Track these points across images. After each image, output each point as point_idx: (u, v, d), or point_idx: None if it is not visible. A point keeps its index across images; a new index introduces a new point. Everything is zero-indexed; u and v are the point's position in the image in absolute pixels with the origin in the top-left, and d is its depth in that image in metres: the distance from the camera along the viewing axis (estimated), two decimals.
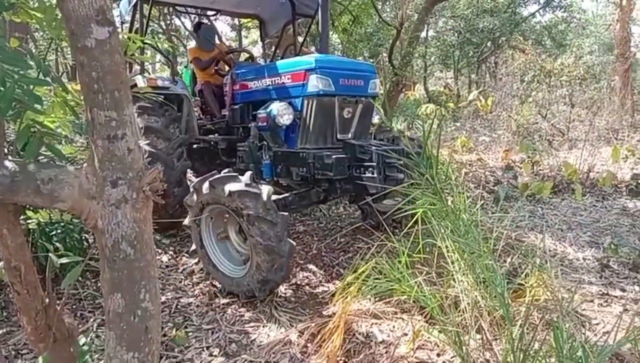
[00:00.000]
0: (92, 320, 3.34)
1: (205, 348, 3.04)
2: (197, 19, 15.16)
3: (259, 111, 4.10)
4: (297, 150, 4.00)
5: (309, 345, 2.99)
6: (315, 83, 3.84)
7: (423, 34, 17.50)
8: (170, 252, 4.52)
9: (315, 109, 3.93)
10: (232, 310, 3.48)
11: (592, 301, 3.35)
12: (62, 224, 3.65)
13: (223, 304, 3.57)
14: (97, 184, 1.38)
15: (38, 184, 1.38)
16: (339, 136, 4.08)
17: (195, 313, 3.46)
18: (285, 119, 3.88)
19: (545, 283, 2.51)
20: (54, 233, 3.60)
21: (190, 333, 3.20)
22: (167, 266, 4.25)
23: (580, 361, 2.05)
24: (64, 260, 1.96)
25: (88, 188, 1.39)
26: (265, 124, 4.00)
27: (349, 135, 4.14)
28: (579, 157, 6.70)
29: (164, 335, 3.10)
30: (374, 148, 3.71)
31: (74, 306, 3.50)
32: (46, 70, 1.91)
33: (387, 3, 16.38)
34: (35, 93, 1.68)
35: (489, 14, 17.22)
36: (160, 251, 4.52)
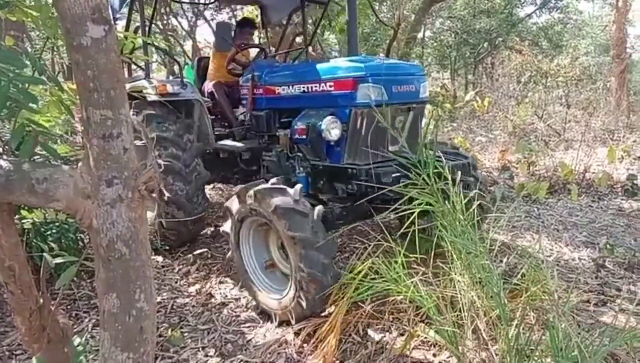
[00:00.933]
0: (87, 320, 3.32)
1: (201, 349, 3.03)
2: (194, 19, 15.19)
3: (295, 122, 3.68)
4: (345, 166, 3.55)
5: (305, 345, 2.98)
6: (366, 93, 3.40)
7: (420, 35, 17.53)
8: (166, 252, 4.51)
9: (366, 122, 3.47)
10: (228, 311, 3.47)
11: (588, 301, 3.36)
12: (57, 224, 3.64)
13: (219, 304, 3.56)
14: (92, 183, 1.37)
15: (33, 183, 1.37)
16: (390, 147, 3.60)
17: (191, 313, 3.45)
18: (334, 134, 3.42)
19: (542, 283, 2.51)
20: (48, 232, 3.58)
21: (186, 334, 3.19)
22: (162, 267, 4.24)
23: (576, 361, 2.05)
24: (58, 260, 1.95)
25: (83, 187, 1.38)
26: (304, 136, 3.57)
27: (399, 146, 3.60)
28: (575, 157, 6.71)
29: (160, 336, 3.09)
30: (450, 163, 3.24)
31: (68, 307, 3.49)
32: (41, 69, 1.91)
33: (385, 3, 16.41)
34: (30, 92, 1.67)
35: (485, 15, 17.26)
36: (155, 251, 4.50)
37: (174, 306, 3.55)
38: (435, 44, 20.46)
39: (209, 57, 5.46)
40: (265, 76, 4.21)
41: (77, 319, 3.34)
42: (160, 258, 4.39)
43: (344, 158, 3.55)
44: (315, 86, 3.71)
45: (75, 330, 3.12)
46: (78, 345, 1.98)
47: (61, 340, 1.80)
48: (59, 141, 4.65)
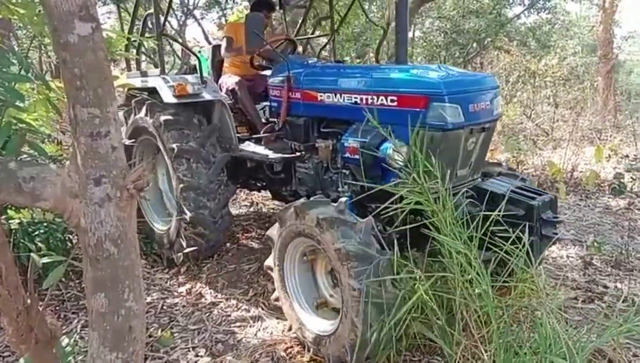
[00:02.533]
0: (75, 321, 3.30)
1: (191, 349, 3.02)
2: (183, 18, 15.08)
3: (345, 138, 3.18)
4: None
5: (294, 345, 2.99)
6: (440, 113, 2.82)
7: (410, 35, 17.58)
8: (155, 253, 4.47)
9: (434, 146, 2.86)
10: (218, 310, 3.46)
11: (575, 298, 3.39)
12: (45, 223, 3.60)
13: (209, 304, 3.55)
14: (79, 182, 1.36)
15: (19, 182, 1.35)
16: (458, 171, 3.07)
17: (181, 313, 3.44)
18: (400, 160, 2.86)
19: (530, 281, 2.53)
20: (36, 232, 3.55)
21: (176, 334, 3.18)
22: (152, 267, 4.21)
23: (564, 357, 2.07)
24: (46, 260, 1.93)
25: (71, 186, 1.37)
26: (356, 156, 3.07)
27: (467, 169, 3.13)
28: (563, 156, 6.78)
29: (150, 336, 3.08)
30: (535, 201, 2.83)
31: (57, 307, 3.45)
32: (28, 67, 1.89)
33: (374, 3, 16.43)
34: (17, 90, 1.65)
35: (474, 15, 17.34)
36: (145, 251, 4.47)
37: (164, 307, 3.53)
38: (424, 43, 20.52)
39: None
40: (303, 78, 3.64)
41: (65, 320, 3.32)
42: (150, 259, 4.36)
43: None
44: (371, 98, 3.12)
45: (63, 331, 3.09)
46: (66, 346, 1.96)
47: (49, 341, 1.78)
48: (46, 140, 4.59)
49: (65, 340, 1.99)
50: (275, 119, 3.97)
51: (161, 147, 3.89)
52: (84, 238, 1.38)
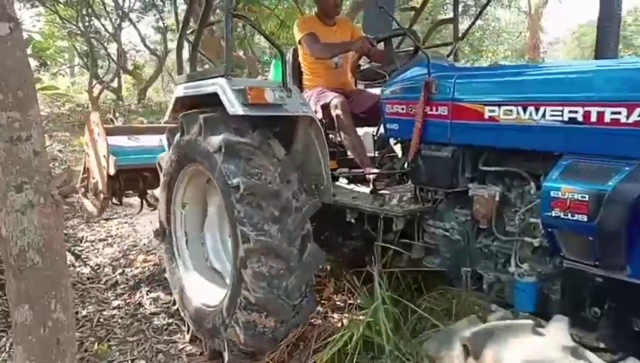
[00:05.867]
0: (4, 339, 3.11)
1: (130, 361, 2.92)
2: (118, 21, 14.59)
3: (550, 185, 1.87)
4: None
5: None
6: None
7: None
8: (91, 263, 4.30)
9: None
10: (159, 320, 3.37)
11: None
12: None
13: (149, 314, 3.45)
14: None
15: None
16: None
17: (119, 325, 3.32)
18: None
19: None
20: None
21: (114, 347, 3.06)
22: (88, 279, 4.03)
23: None
24: None
25: None
26: (575, 216, 1.78)
27: None
28: None
29: (85, 351, 2.95)
30: None
31: None
32: None
33: (314, 8, 16.59)
34: None
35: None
36: (80, 263, 4.29)
37: (100, 319, 3.39)
38: None
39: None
40: (456, 84, 2.37)
41: None
42: (85, 270, 4.19)
43: None
44: (615, 113, 1.81)
45: None
46: None
47: None
48: None
49: None
50: (393, 151, 2.95)
51: (216, 183, 2.58)
52: (6, 247, 1.31)
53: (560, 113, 1.95)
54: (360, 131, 3.29)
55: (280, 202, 2.42)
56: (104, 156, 3.86)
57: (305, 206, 2.53)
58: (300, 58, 3.57)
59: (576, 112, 1.90)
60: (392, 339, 2.29)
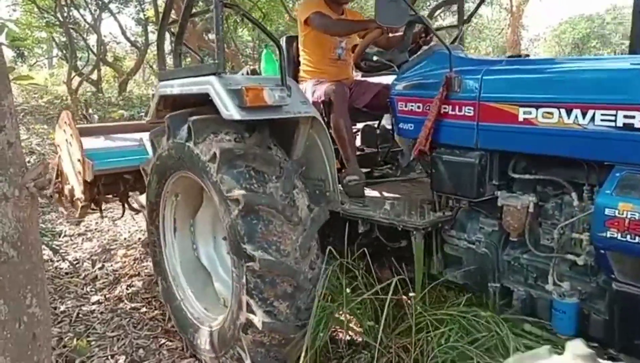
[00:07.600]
0: None
1: (110, 357, 2.88)
2: (98, 12, 14.31)
3: (602, 202, 1.64)
4: None
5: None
6: None
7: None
8: (70, 258, 4.24)
9: None
10: (139, 315, 3.33)
11: None
12: None
13: (130, 309, 3.41)
14: None
15: None
16: None
17: (98, 320, 3.27)
18: None
19: None
20: None
21: (93, 342, 3.02)
22: (66, 273, 3.97)
23: None
24: None
25: None
26: (626, 237, 1.57)
27: None
28: None
29: (64, 346, 2.90)
30: None
31: None
32: None
33: (298, 1, 16.52)
34: None
35: None
36: (58, 257, 4.22)
37: (80, 315, 3.34)
38: None
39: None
40: (484, 80, 2.08)
41: None
42: (64, 265, 4.12)
43: None
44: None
45: None
46: None
47: None
48: None
49: None
50: (397, 146, 2.77)
51: (213, 195, 2.32)
52: None
53: (613, 118, 1.66)
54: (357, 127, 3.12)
55: (287, 218, 2.17)
56: (79, 160, 3.48)
57: (316, 216, 2.31)
58: (299, 45, 3.22)
59: (633, 117, 1.61)
60: None
